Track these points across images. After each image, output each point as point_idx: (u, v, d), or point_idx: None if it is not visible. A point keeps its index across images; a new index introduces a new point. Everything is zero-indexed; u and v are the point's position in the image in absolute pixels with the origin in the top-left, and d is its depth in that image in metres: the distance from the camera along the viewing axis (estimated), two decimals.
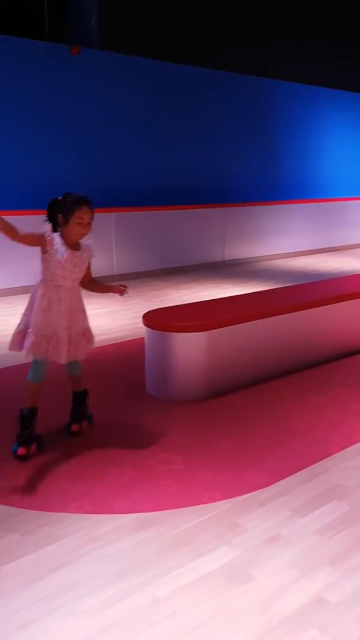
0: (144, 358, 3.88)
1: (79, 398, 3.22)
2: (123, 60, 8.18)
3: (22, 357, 2.87)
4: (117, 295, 3.18)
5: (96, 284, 3.09)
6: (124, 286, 3.12)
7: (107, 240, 7.80)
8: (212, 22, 9.67)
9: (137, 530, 2.33)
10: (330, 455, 2.95)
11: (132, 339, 4.99)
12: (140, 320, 3.98)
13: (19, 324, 2.92)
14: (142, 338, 4.11)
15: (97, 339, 5.04)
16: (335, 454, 2.96)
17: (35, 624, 1.85)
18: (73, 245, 2.86)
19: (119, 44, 8.23)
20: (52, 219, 2.83)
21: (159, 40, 8.91)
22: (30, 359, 2.90)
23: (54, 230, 2.83)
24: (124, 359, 4.51)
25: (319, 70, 11.09)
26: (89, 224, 2.81)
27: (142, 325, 3.88)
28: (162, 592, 1.98)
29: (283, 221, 9.96)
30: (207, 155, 9.38)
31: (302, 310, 4.20)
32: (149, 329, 3.76)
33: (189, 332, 3.65)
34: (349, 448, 3.03)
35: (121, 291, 3.10)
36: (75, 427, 3.16)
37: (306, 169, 11.04)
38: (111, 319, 5.68)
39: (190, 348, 3.66)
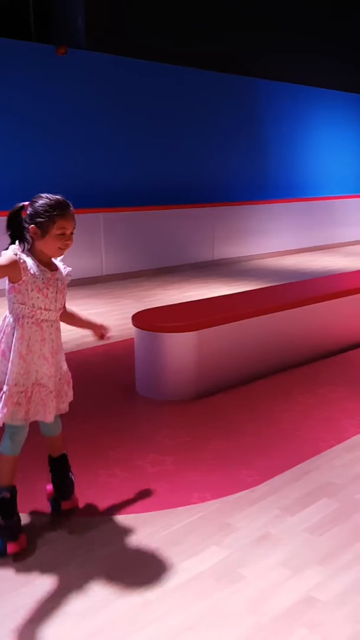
0: (134, 359, 3.88)
1: (62, 466, 2.48)
2: (109, 60, 8.17)
3: None
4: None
5: (72, 317, 2.45)
6: (105, 330, 2.55)
7: (95, 240, 7.79)
8: (199, 22, 9.67)
9: (127, 531, 2.33)
10: (319, 453, 2.96)
11: (121, 339, 4.98)
12: (130, 320, 3.98)
13: None
14: (132, 339, 4.11)
15: (86, 339, 5.06)
16: (324, 452, 2.98)
17: (26, 628, 1.84)
18: (48, 265, 2.20)
19: (105, 44, 8.21)
20: (18, 233, 2.14)
21: (145, 41, 8.90)
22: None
23: (22, 248, 2.15)
24: (114, 359, 4.50)
25: (307, 69, 11.13)
26: (72, 234, 2.16)
27: (132, 326, 3.87)
28: (152, 594, 1.98)
29: (271, 220, 10.00)
30: (195, 155, 9.39)
31: (290, 309, 4.21)
32: (139, 330, 3.76)
33: (179, 332, 3.65)
34: (338, 446, 3.05)
35: (101, 335, 2.54)
36: (66, 505, 2.46)
37: (294, 168, 11.09)
38: (100, 319, 5.63)
39: (179, 348, 3.66)
